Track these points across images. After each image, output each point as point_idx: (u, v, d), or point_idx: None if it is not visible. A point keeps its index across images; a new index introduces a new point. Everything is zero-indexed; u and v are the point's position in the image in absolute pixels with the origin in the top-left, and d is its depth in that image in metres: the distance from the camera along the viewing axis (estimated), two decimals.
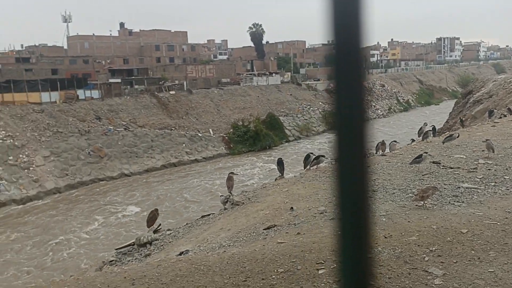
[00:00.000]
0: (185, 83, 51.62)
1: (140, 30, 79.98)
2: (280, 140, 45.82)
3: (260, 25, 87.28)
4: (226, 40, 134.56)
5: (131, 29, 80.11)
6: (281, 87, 57.85)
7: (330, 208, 6.78)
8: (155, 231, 10.09)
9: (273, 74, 64.31)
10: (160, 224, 10.74)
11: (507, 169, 8.06)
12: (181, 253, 6.87)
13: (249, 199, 8.68)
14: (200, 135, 41.29)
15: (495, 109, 20.47)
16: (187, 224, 10.30)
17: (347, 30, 0.82)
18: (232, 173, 10.00)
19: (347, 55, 0.83)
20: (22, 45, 76.29)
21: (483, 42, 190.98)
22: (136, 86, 47.90)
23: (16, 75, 42.01)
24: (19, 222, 23.97)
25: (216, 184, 29.61)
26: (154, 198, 27.54)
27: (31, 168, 29.46)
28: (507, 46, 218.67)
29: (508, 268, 4.31)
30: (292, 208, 7.13)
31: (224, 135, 43.08)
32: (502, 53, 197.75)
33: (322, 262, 4.77)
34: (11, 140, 30.18)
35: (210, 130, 43.21)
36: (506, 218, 5.60)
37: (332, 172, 0.84)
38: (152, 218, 10.64)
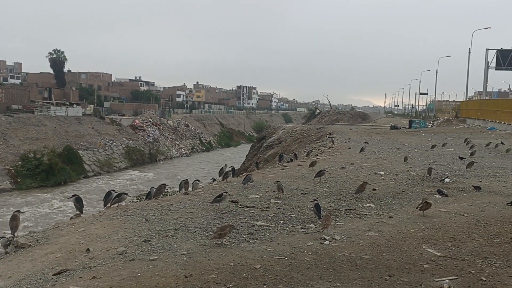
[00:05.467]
0: None
1: None
2: (78, 175, 42.82)
3: (62, 52, 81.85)
4: (20, 63, 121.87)
5: None
6: (82, 119, 54.63)
7: (130, 248, 6.50)
8: None
9: (74, 105, 60.55)
10: None
11: (293, 208, 9.02)
12: None
13: (37, 240, 7.72)
14: None
15: (284, 153, 23.01)
16: None
17: None
18: (18, 211, 8.77)
19: None
20: None
21: (275, 93, 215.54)
22: None
23: None
24: None
25: None
26: None
27: None
28: (294, 99, 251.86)
29: None
30: (88, 249, 6.59)
31: (10, 168, 38.13)
32: (290, 104, 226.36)
33: None
34: None
35: None
36: (293, 253, 6.21)
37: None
38: None
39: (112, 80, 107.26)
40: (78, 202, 9.75)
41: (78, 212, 9.84)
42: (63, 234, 7.66)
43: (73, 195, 10.07)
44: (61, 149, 43.77)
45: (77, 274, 5.69)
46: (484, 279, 5.35)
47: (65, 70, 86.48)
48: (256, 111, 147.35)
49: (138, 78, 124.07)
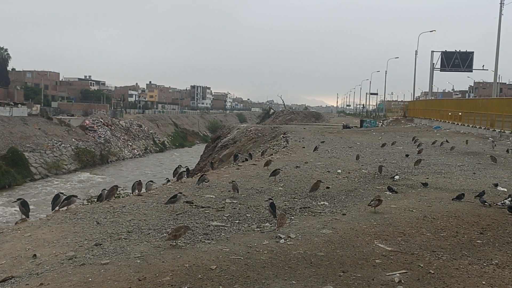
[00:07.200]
0: None
1: None
2: (24, 179, 41.04)
3: (6, 50, 78.06)
4: None
5: None
6: (28, 120, 52.40)
7: (80, 252, 6.29)
8: None
9: (19, 105, 57.95)
10: None
11: (249, 207, 9.03)
12: None
13: None
14: None
15: (239, 153, 23.00)
16: None
17: None
18: None
19: None
20: None
21: (229, 93, 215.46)
22: None
23: None
24: None
25: None
26: None
27: None
28: (248, 99, 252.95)
29: None
30: (35, 255, 6.31)
31: None
32: (244, 104, 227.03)
33: None
34: None
35: None
36: (248, 252, 6.20)
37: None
38: None
39: (60, 79, 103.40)
40: (24, 206, 9.32)
41: (24, 217, 9.41)
42: (8, 240, 7.29)
43: (18, 199, 9.61)
44: (5, 151, 41.78)
45: (23, 281, 5.44)
46: (432, 272, 5.55)
47: (9, 68, 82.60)
48: (210, 111, 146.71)
49: (88, 77, 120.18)
